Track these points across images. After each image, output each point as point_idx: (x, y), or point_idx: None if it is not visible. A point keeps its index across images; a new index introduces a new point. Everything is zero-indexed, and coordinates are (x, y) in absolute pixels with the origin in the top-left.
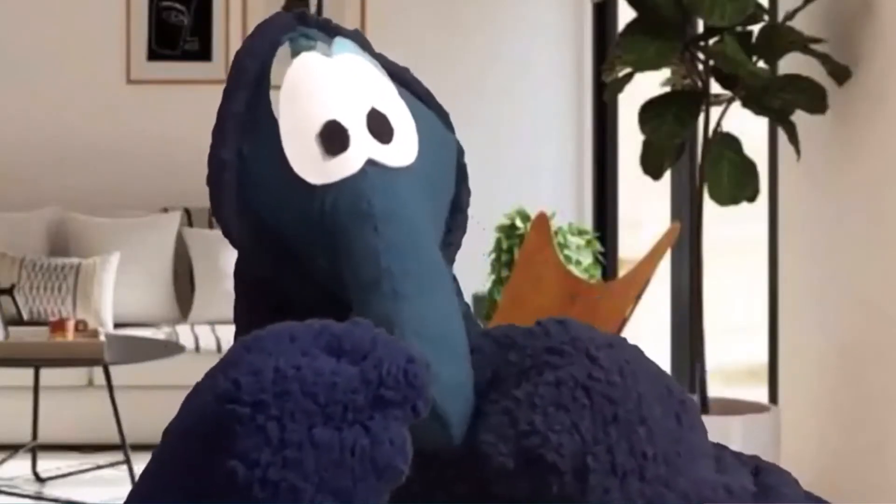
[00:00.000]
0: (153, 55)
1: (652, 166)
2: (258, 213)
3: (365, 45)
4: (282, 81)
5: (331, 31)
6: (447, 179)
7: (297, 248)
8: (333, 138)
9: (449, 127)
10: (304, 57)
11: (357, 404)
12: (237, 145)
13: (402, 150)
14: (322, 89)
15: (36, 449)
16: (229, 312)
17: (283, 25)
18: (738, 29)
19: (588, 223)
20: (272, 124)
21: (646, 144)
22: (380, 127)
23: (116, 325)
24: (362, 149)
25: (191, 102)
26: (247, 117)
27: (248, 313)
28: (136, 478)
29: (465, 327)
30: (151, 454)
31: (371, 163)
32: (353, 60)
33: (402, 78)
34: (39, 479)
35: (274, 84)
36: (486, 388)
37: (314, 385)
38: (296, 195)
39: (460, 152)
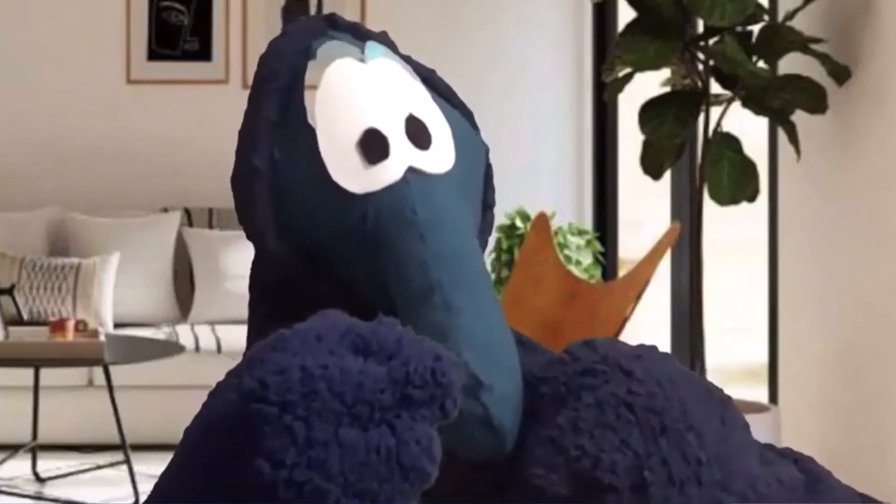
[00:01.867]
0: (153, 55)
1: (652, 166)
2: (293, 221)
3: (393, 48)
4: (315, 86)
5: (361, 34)
6: (478, 181)
7: (334, 257)
8: (374, 146)
9: (475, 127)
10: (339, 63)
11: (384, 404)
12: (269, 152)
13: (441, 156)
14: (359, 96)
15: (36, 449)
16: (229, 312)
17: (313, 30)
18: (738, 29)
19: (588, 223)
20: (307, 132)
21: (646, 144)
22: (418, 133)
23: (116, 325)
24: (403, 156)
25: (191, 102)
26: (279, 124)
27: (268, 320)
28: (136, 478)
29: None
30: (173, 453)
31: (412, 170)
32: (387, 65)
33: (430, 80)
34: (39, 479)
35: (307, 86)
36: (523, 421)
37: (341, 385)
38: (335, 204)
39: (487, 151)
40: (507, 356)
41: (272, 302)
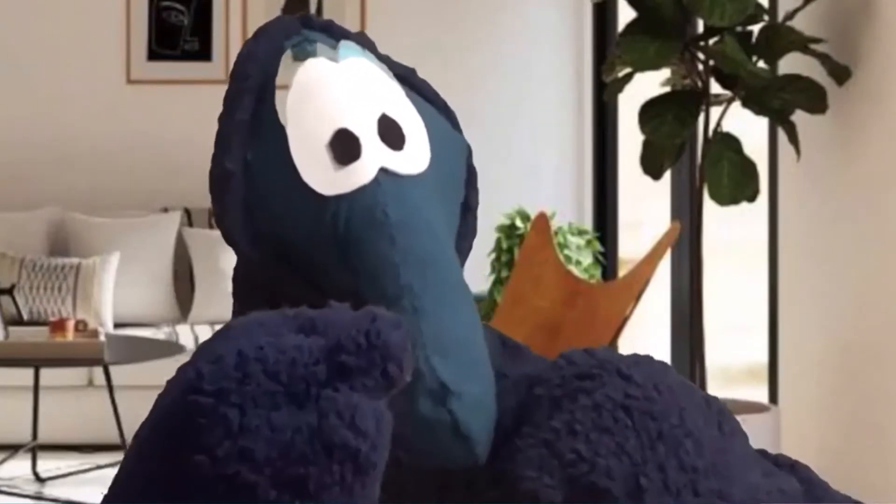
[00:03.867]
0: (153, 55)
1: (652, 166)
2: (265, 223)
3: (370, 48)
4: (287, 86)
5: (335, 34)
6: (458, 183)
7: (306, 260)
8: (345, 147)
9: (457, 127)
10: (311, 63)
11: (319, 378)
12: (242, 154)
13: (415, 157)
14: (330, 96)
15: (36, 449)
16: (229, 312)
17: (286, 29)
18: (738, 29)
19: (588, 223)
20: (279, 132)
21: (646, 144)
22: (391, 133)
23: (116, 325)
24: (375, 157)
25: (191, 102)
26: (252, 125)
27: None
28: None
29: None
30: (124, 455)
31: (384, 171)
32: (361, 64)
33: (409, 80)
34: (39, 479)
35: (279, 86)
36: (515, 424)
37: (276, 364)
38: (306, 206)
39: (469, 153)
40: (479, 362)
41: (251, 303)
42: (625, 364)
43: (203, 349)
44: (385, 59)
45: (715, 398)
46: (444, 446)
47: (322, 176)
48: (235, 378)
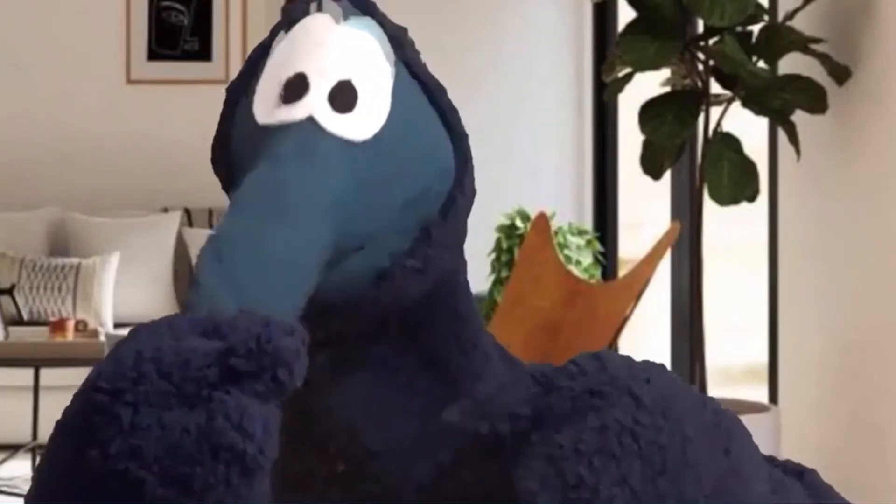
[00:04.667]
0: (153, 55)
1: (652, 166)
2: (230, 152)
3: (396, 38)
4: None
5: (368, 9)
6: (414, 179)
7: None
8: (292, 88)
9: (454, 132)
10: (315, 16)
11: (210, 380)
12: (237, 85)
13: (351, 126)
14: (308, 45)
15: (36, 449)
16: None
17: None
18: (738, 29)
19: (588, 223)
20: (264, 67)
21: (646, 144)
22: (342, 96)
23: (116, 325)
24: (310, 106)
25: (191, 102)
26: (247, 80)
27: None
28: None
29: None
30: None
31: (311, 120)
32: (357, 35)
33: (426, 85)
34: None
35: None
36: (529, 427)
37: (170, 365)
38: (246, 133)
39: (457, 163)
40: (271, 264)
41: None
42: (636, 381)
43: (111, 350)
44: (412, 56)
45: (725, 412)
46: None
47: (265, 107)
48: (131, 377)
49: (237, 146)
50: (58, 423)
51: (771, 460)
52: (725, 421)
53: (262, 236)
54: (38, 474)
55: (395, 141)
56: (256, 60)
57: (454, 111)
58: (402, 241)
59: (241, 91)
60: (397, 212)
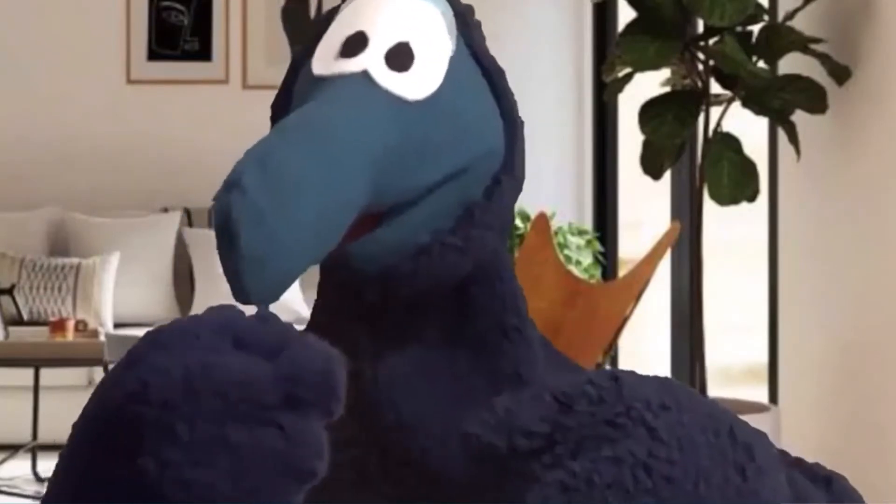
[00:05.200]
0: (153, 55)
1: (652, 166)
2: (288, 108)
3: (464, 18)
4: None
5: None
6: (450, 151)
7: None
8: (352, 43)
9: (510, 140)
10: None
11: (268, 403)
12: (309, 54)
13: (404, 84)
14: (375, 8)
15: (36, 449)
16: None
17: None
18: (738, 29)
19: (588, 223)
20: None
21: (646, 144)
22: (399, 56)
23: (116, 325)
24: (367, 61)
25: (191, 102)
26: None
27: None
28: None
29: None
30: (59, 455)
31: (365, 74)
32: (423, 4)
33: (485, 66)
34: (39, 479)
35: None
36: (544, 446)
37: (224, 383)
38: (306, 84)
39: (503, 169)
40: (302, 200)
41: None
42: (651, 411)
43: (142, 357)
44: (474, 41)
45: (742, 426)
46: (219, 242)
47: (324, 61)
48: (182, 392)
49: (295, 101)
50: (83, 428)
51: (798, 464)
52: (744, 436)
53: (306, 166)
54: (64, 479)
55: (445, 108)
56: (324, 23)
57: (510, 97)
58: (444, 218)
59: (306, 53)
60: (440, 181)
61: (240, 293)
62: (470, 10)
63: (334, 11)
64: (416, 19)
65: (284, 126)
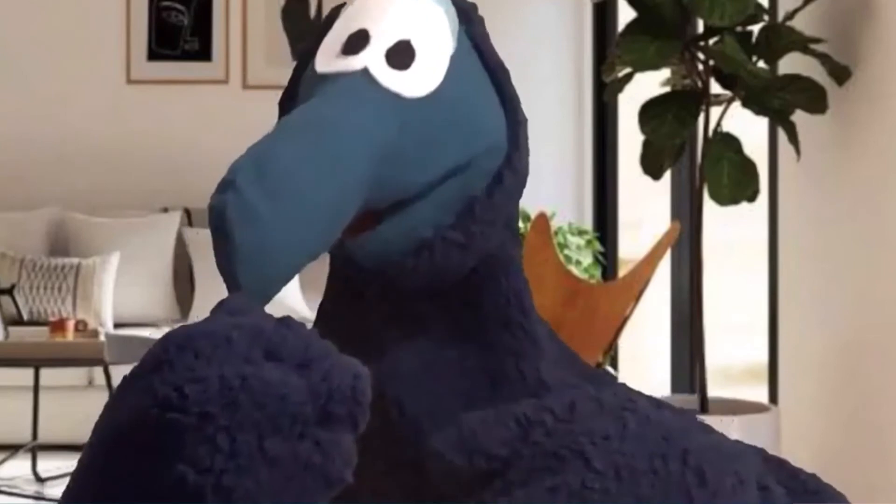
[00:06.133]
0: (153, 55)
1: (652, 166)
2: (294, 103)
3: (467, 15)
4: None
5: None
6: (451, 147)
7: None
8: (354, 41)
9: (513, 136)
10: None
11: (305, 417)
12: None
13: (405, 82)
14: (378, 6)
15: (36, 449)
16: None
17: None
18: (738, 29)
19: (588, 223)
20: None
21: (646, 144)
22: (400, 54)
23: (116, 325)
24: (368, 59)
25: (191, 102)
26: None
27: None
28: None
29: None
30: (79, 459)
31: (365, 71)
32: (425, 3)
33: (489, 63)
34: (39, 479)
35: None
36: (501, 469)
37: (263, 395)
38: (309, 80)
39: (505, 165)
40: (296, 197)
41: None
42: (592, 443)
43: (173, 362)
44: (477, 39)
45: (703, 450)
46: (214, 241)
47: (326, 58)
48: (221, 403)
49: (300, 98)
50: (110, 432)
51: (795, 476)
52: (698, 460)
53: (303, 163)
54: (87, 478)
55: (446, 106)
56: (330, 21)
57: (514, 94)
58: (446, 213)
59: (312, 50)
60: (441, 177)
61: (234, 291)
62: (473, 7)
63: (339, 8)
64: (418, 17)
65: (283, 124)
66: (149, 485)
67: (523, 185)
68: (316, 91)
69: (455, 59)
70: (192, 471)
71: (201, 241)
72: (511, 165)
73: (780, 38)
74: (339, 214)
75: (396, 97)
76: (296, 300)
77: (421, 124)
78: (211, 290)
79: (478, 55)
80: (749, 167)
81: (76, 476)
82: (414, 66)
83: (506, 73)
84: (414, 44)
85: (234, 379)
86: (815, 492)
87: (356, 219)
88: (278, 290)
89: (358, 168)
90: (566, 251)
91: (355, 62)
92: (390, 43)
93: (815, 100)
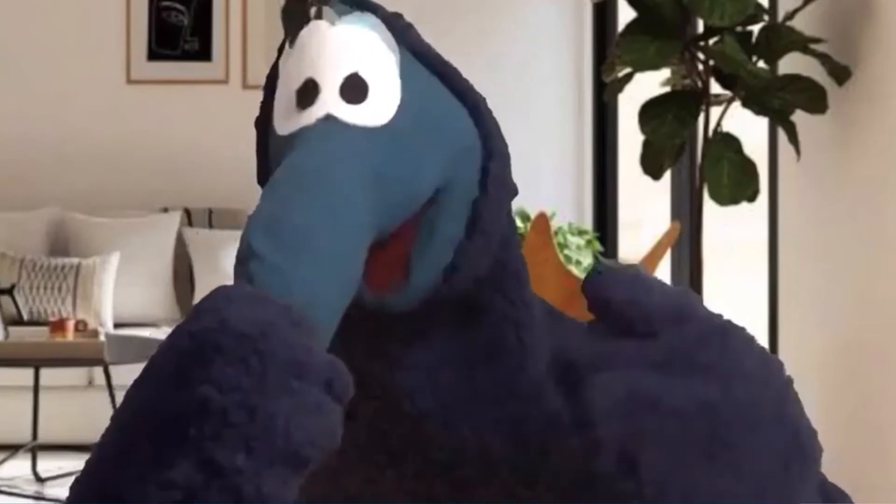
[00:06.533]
0: (153, 55)
1: (652, 166)
2: (270, 167)
3: (392, 25)
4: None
5: (363, 6)
6: (433, 152)
7: None
8: (305, 93)
9: (481, 127)
10: (310, 25)
11: (315, 382)
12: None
13: (367, 113)
14: (313, 51)
15: (36, 449)
16: None
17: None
18: (738, 29)
19: (588, 223)
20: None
21: (646, 144)
22: (353, 88)
23: (116, 325)
24: (325, 105)
25: (191, 102)
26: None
27: None
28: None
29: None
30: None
31: (328, 117)
32: (355, 31)
33: (433, 65)
34: (39, 479)
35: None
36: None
37: (290, 346)
38: (274, 148)
39: (486, 157)
40: (314, 252)
41: None
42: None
43: (218, 308)
44: (418, 45)
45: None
46: None
47: (284, 118)
48: (259, 331)
49: (271, 164)
50: (145, 369)
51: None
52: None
53: (309, 217)
54: (129, 404)
55: (412, 122)
56: (271, 83)
57: (465, 85)
58: (458, 226)
59: (266, 119)
60: (434, 190)
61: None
62: (398, 16)
63: (275, 69)
64: (355, 47)
65: (273, 187)
66: (180, 400)
67: (508, 160)
68: (287, 152)
69: (403, 75)
70: (215, 391)
71: (201, 241)
72: (491, 153)
73: (780, 38)
74: (357, 252)
75: (364, 129)
76: None
77: (397, 146)
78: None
79: (419, 60)
80: (749, 167)
81: (119, 407)
82: (370, 95)
83: (451, 68)
84: (362, 74)
85: (268, 323)
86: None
87: (379, 270)
88: (327, 343)
89: (359, 202)
90: (566, 251)
91: (315, 111)
92: (340, 81)
93: (815, 100)
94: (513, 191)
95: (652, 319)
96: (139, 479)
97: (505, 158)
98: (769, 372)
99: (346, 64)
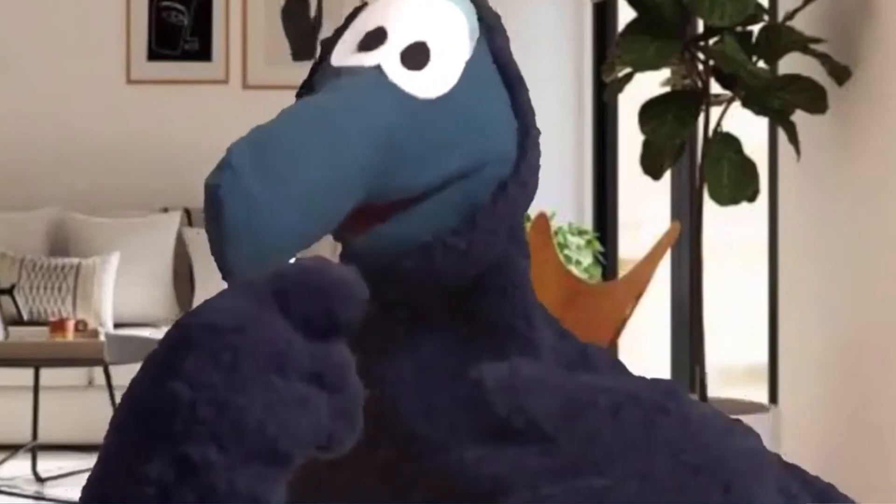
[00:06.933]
0: (153, 55)
1: (652, 166)
2: (312, 89)
3: (487, 21)
4: None
5: None
6: (457, 150)
7: None
8: (371, 38)
9: (522, 152)
10: None
11: (302, 371)
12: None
13: (416, 82)
14: (399, 5)
15: (36, 449)
16: None
17: None
18: (738, 29)
19: (588, 223)
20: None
21: (646, 144)
22: (414, 55)
23: (116, 325)
24: (380, 57)
25: (191, 102)
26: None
27: None
28: None
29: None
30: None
31: (378, 69)
32: (447, 6)
33: (506, 74)
34: (39, 479)
35: None
36: (528, 438)
37: (268, 341)
38: (325, 73)
39: (513, 181)
40: (294, 182)
41: None
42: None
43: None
44: (497, 48)
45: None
46: (206, 220)
47: (342, 53)
48: (233, 325)
49: (315, 88)
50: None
51: (811, 484)
52: (733, 477)
53: (301, 147)
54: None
55: (456, 110)
56: (353, 16)
57: (529, 106)
58: (448, 219)
59: (332, 43)
60: (446, 180)
61: (222, 269)
62: (497, 17)
63: (361, 8)
64: (437, 20)
65: (288, 110)
66: (153, 398)
67: (531, 197)
68: (328, 82)
69: (471, 65)
70: (185, 386)
71: (201, 241)
72: (518, 176)
73: (780, 38)
74: (336, 201)
75: (406, 96)
76: None
77: (429, 125)
78: (211, 290)
79: (496, 65)
80: (749, 167)
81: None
82: (427, 67)
83: (523, 85)
84: (430, 46)
85: (245, 319)
86: (831, 502)
87: (360, 217)
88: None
89: (359, 156)
90: (566, 251)
91: (369, 59)
92: (406, 43)
93: (815, 100)
94: (518, 225)
95: (541, 424)
96: (125, 476)
97: (528, 190)
98: (681, 436)
99: (421, 30)
